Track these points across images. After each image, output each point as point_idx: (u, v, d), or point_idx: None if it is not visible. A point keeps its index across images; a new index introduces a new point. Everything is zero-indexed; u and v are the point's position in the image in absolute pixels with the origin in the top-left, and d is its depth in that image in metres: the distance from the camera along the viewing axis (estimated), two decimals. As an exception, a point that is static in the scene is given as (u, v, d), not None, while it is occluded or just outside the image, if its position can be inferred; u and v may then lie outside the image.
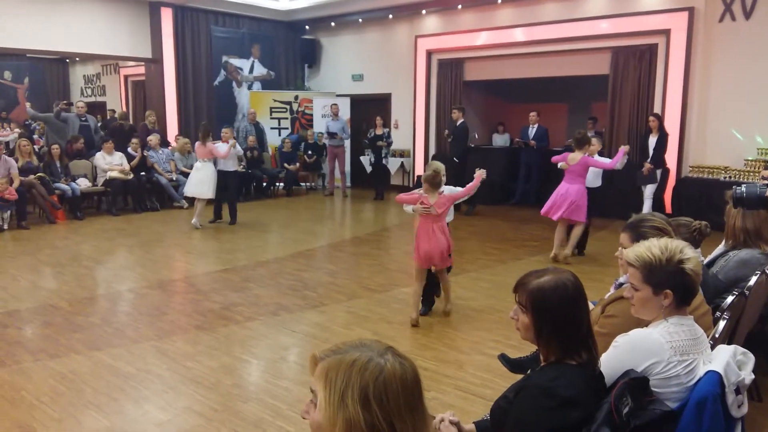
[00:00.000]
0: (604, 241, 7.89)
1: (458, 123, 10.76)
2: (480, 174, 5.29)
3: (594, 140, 7.41)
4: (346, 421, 1.20)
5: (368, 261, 7.38)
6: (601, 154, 7.92)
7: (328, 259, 7.63)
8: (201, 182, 9.25)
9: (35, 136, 13.28)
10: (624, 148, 7.31)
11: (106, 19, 12.05)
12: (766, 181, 1.77)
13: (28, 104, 12.58)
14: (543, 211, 7.30)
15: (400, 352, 1.30)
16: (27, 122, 14.57)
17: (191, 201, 11.21)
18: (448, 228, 5.26)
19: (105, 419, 3.48)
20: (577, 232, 7.17)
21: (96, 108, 16.32)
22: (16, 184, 8.97)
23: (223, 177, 9.29)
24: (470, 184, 5.28)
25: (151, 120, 12.00)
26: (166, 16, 12.58)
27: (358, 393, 1.20)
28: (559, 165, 7.21)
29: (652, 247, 2.01)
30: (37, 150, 11.01)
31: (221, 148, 9.10)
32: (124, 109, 17.05)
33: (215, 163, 9.30)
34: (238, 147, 9.53)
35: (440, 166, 5.13)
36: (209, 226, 9.42)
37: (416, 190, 5.26)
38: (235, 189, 9.54)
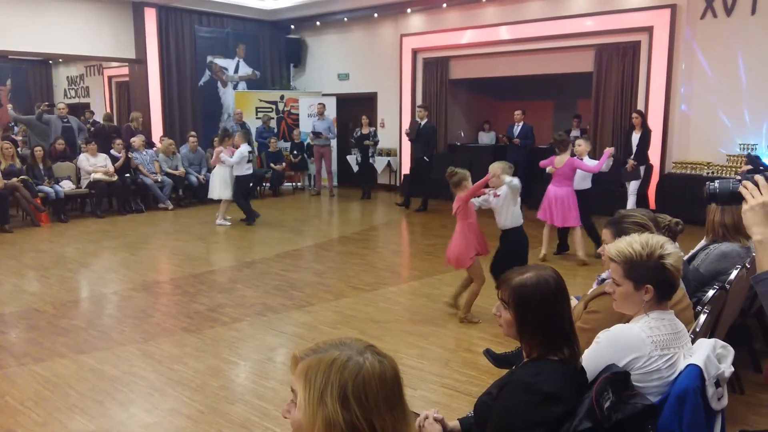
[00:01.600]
0: (587, 237, 7.92)
1: (423, 122, 10.85)
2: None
3: (582, 141, 7.29)
4: (325, 420, 1.20)
5: (355, 260, 7.38)
6: (589, 153, 7.68)
7: (315, 259, 7.62)
8: (211, 186, 9.72)
9: (18, 139, 13.14)
10: (609, 150, 7.17)
11: (89, 20, 11.95)
12: (739, 177, 1.79)
13: (9, 106, 12.44)
14: (539, 215, 7.19)
15: (380, 350, 1.30)
16: (10, 124, 14.43)
17: (176, 203, 11.22)
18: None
19: (91, 423, 3.46)
20: (576, 237, 7.04)
21: (79, 109, 16.18)
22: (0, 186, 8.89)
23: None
24: (479, 181, 5.02)
25: (136, 123, 11.91)
26: (150, 17, 12.50)
27: (337, 392, 1.20)
28: (547, 169, 7.13)
29: (633, 242, 2.04)
30: (18, 152, 10.89)
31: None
32: (108, 110, 16.91)
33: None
34: (226, 158, 9.35)
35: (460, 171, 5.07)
36: (202, 227, 9.39)
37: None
38: (235, 191, 9.53)
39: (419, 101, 12.83)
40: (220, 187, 9.52)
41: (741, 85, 9.10)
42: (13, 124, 14.24)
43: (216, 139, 11.65)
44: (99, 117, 14.47)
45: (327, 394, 1.21)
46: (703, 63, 9.45)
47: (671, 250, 2.00)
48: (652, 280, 1.98)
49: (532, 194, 11.13)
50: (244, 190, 9.63)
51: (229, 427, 3.40)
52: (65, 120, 11.18)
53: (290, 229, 9.40)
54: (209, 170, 11.76)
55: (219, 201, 9.67)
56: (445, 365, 4.24)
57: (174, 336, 4.83)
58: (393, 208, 11.14)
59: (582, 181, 7.25)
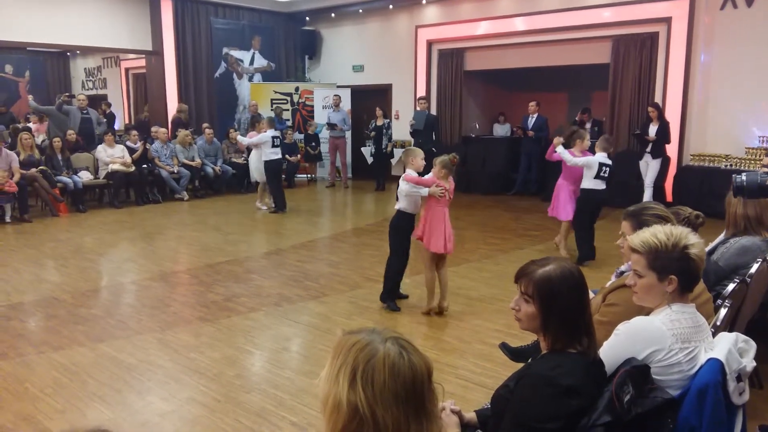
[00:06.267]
0: (603, 230, 7.85)
1: (428, 114, 10.90)
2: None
3: (583, 133, 6.83)
4: (334, 399, 1.23)
5: (370, 251, 7.38)
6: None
7: (330, 250, 7.63)
8: (250, 170, 10.45)
9: (32, 126, 13.28)
10: (557, 140, 6.66)
11: (107, 12, 12.02)
12: (766, 170, 1.76)
13: (30, 97, 12.56)
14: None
15: (412, 346, 1.29)
16: (28, 115, 14.56)
17: (192, 194, 11.32)
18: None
19: (108, 410, 3.50)
20: (561, 230, 6.89)
21: (96, 101, 16.31)
22: (16, 177, 8.96)
23: None
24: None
25: (185, 114, 12.25)
26: (166, 8, 12.54)
27: (348, 372, 1.22)
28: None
29: (658, 233, 2.01)
30: (38, 143, 11.03)
31: None
32: (125, 101, 17.19)
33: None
34: (241, 138, 10.21)
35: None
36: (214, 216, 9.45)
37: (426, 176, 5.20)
38: (267, 176, 9.82)
39: (434, 93, 12.79)
40: (256, 171, 10.03)
41: (761, 77, 8.95)
42: (29, 114, 14.38)
43: (231, 130, 12.01)
44: (114, 109, 14.69)
45: (341, 374, 1.23)
46: (723, 54, 9.30)
47: (695, 241, 1.97)
48: (677, 271, 1.95)
49: (546, 187, 11.10)
50: (274, 174, 9.78)
51: (245, 415, 3.43)
52: (84, 111, 11.34)
53: (305, 220, 9.42)
54: (225, 161, 11.87)
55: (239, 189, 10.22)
56: (460, 356, 4.23)
57: (190, 325, 4.87)
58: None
59: (584, 179, 6.49)
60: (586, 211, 6.48)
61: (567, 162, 6.49)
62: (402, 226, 5.26)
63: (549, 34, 10.95)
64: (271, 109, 13.48)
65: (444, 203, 5.05)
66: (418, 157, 5.22)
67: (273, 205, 9.91)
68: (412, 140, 11.37)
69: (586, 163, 6.39)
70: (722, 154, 9.26)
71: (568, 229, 6.84)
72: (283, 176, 12.84)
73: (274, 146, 9.57)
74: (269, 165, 9.63)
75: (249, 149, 10.75)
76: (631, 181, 9.33)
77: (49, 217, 9.49)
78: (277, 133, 9.79)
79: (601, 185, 6.37)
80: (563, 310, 1.80)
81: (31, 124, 12.75)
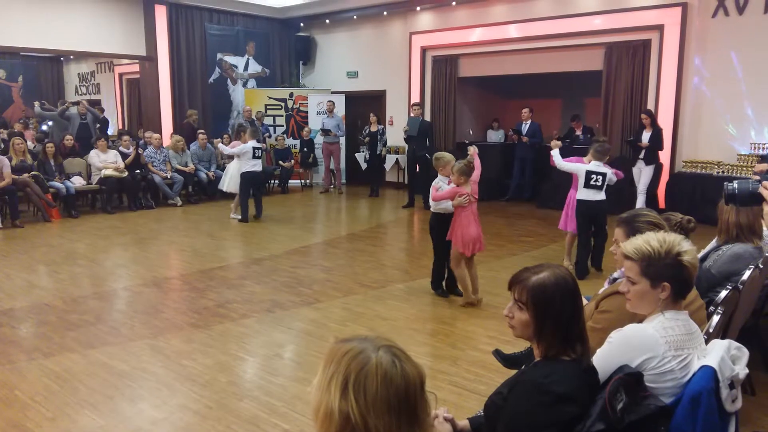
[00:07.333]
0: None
1: (422, 120, 10.90)
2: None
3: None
4: (326, 407, 1.21)
5: (364, 257, 7.37)
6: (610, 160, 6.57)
7: (324, 256, 7.62)
8: (223, 178, 10.25)
9: (32, 130, 13.31)
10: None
11: (101, 17, 12.00)
12: (757, 177, 1.77)
13: (36, 103, 12.66)
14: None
15: (405, 354, 1.28)
16: (21, 120, 14.53)
17: (185, 199, 11.28)
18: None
19: (100, 418, 3.47)
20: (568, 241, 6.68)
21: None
22: (7, 182, 8.91)
23: None
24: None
25: (195, 118, 12.35)
26: (161, 14, 12.53)
27: (340, 380, 1.21)
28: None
29: (651, 239, 2.01)
30: (31, 147, 11.01)
31: None
32: (119, 107, 17.18)
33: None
34: (222, 146, 10.09)
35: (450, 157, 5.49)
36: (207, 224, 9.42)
37: (441, 184, 5.44)
38: (240, 187, 9.55)
39: (428, 99, 12.83)
40: (230, 180, 9.85)
41: (753, 84, 9.01)
42: (27, 118, 14.40)
43: (225, 136, 12.02)
44: (108, 114, 14.69)
45: (333, 382, 1.22)
46: (715, 62, 9.36)
47: (688, 248, 1.97)
48: (670, 278, 1.95)
49: (540, 193, 11.13)
50: (246, 186, 9.52)
51: (238, 423, 3.40)
52: (83, 117, 11.39)
53: (299, 226, 9.41)
54: (219, 167, 11.84)
55: (229, 195, 10.08)
56: (453, 363, 4.22)
57: (183, 332, 4.85)
58: (401, 206, 11.14)
59: (578, 190, 6.27)
60: (581, 223, 6.21)
61: (556, 165, 6.30)
62: (436, 227, 5.59)
63: (542, 41, 11.00)
64: (266, 114, 13.49)
65: (468, 206, 5.28)
66: (449, 165, 5.39)
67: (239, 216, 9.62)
68: (406, 146, 11.40)
69: (572, 170, 6.18)
70: (714, 161, 9.31)
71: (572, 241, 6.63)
72: (276, 182, 12.89)
73: (254, 157, 9.39)
74: (245, 176, 9.36)
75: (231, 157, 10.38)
76: (624, 188, 9.35)
77: (41, 223, 9.44)
78: (259, 145, 9.67)
79: (594, 195, 6.05)
80: (557, 318, 1.79)
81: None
